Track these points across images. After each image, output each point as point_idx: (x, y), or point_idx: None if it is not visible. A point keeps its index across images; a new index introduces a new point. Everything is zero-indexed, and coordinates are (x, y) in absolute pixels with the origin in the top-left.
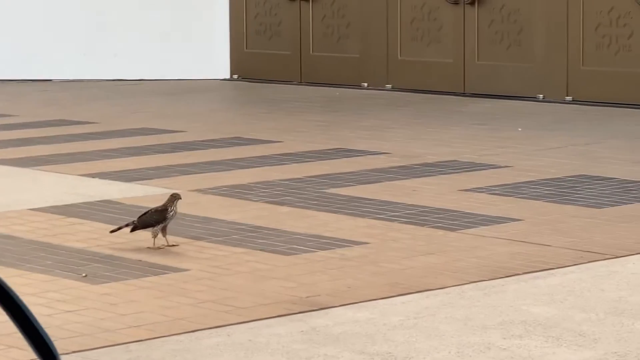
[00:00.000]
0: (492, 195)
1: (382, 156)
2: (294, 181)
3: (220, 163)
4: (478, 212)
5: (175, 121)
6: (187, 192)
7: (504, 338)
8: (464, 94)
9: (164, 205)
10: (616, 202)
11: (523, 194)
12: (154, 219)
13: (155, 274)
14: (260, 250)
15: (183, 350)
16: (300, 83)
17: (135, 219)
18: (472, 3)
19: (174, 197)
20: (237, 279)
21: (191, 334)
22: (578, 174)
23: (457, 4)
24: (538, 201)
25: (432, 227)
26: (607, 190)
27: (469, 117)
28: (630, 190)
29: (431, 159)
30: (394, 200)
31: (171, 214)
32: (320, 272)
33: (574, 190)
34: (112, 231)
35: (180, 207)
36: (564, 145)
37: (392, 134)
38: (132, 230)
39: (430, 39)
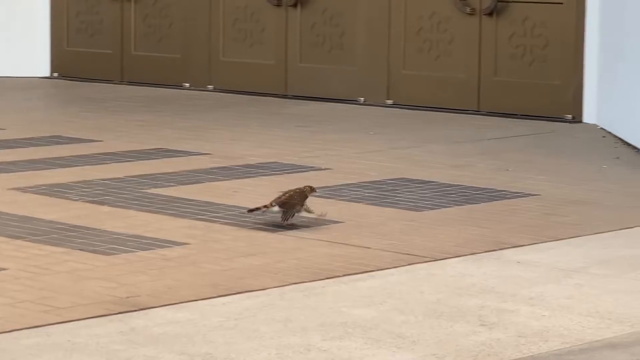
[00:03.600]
0: (313, 197)
1: (203, 157)
2: (114, 181)
3: (39, 162)
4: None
5: None
6: (6, 191)
7: (324, 340)
8: (286, 96)
9: (302, 191)
10: (436, 205)
11: (344, 196)
12: (294, 200)
13: None
14: (80, 250)
15: (0, 350)
16: (121, 82)
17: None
18: (294, 5)
19: (311, 189)
20: (56, 278)
21: (9, 333)
22: (398, 177)
23: (280, 6)
24: (359, 203)
25: (253, 228)
26: (427, 193)
27: (291, 119)
28: (450, 193)
29: (252, 160)
30: (215, 201)
31: (307, 202)
32: (141, 272)
33: (394, 193)
34: (251, 211)
35: (3, 205)
36: (384, 148)
37: (214, 134)
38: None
39: (253, 41)
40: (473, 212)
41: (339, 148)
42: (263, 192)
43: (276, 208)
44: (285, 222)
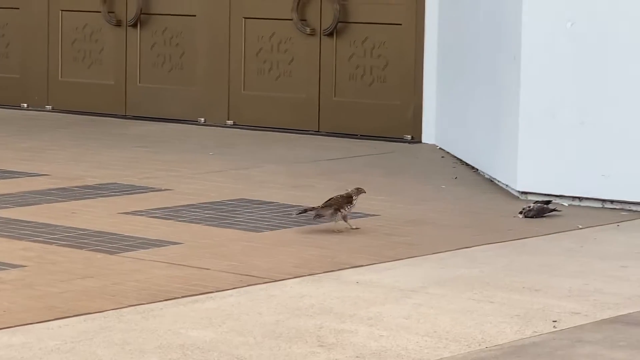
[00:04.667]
0: (152, 218)
1: (41, 178)
2: None
3: None
4: (138, 235)
5: None
6: None
7: None
8: (125, 117)
9: (348, 193)
10: (275, 226)
11: (183, 217)
12: (339, 202)
13: None
14: None
15: None
16: None
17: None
18: (134, 25)
19: (359, 191)
20: None
21: None
22: (238, 197)
23: (119, 25)
24: (198, 224)
25: (91, 250)
26: (266, 214)
27: (130, 139)
28: (290, 214)
29: (91, 181)
30: (53, 223)
31: (355, 202)
32: None
33: (234, 214)
34: (300, 213)
35: None
36: (224, 169)
37: (52, 155)
38: (316, 217)
39: (92, 60)
40: (313, 233)
41: (178, 169)
42: (101, 213)
43: (325, 211)
44: (315, 216)
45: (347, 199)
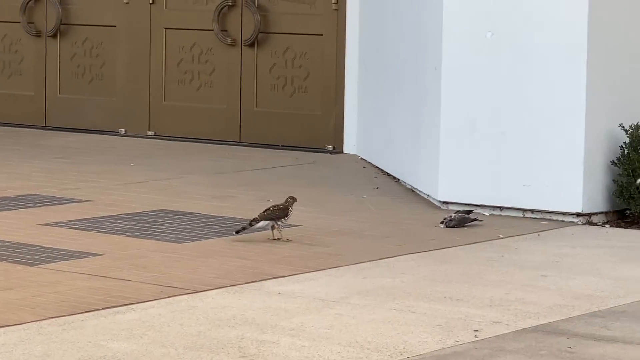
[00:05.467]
0: (73, 230)
1: None
2: None
3: None
4: (58, 247)
5: None
6: None
7: None
8: (45, 128)
9: (284, 205)
10: (197, 237)
11: (104, 228)
12: (276, 215)
13: None
14: None
15: None
16: None
17: (257, 215)
18: (54, 35)
19: (293, 199)
20: None
21: None
22: (159, 208)
23: (39, 36)
24: (119, 236)
25: (11, 262)
26: (187, 225)
27: (51, 150)
28: (211, 225)
29: (11, 193)
30: None
31: (291, 212)
32: None
33: (155, 225)
34: (238, 232)
35: None
36: (145, 180)
37: None
38: (251, 225)
39: (12, 71)
40: (234, 244)
41: (99, 180)
42: (21, 224)
43: (261, 223)
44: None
45: (284, 211)
